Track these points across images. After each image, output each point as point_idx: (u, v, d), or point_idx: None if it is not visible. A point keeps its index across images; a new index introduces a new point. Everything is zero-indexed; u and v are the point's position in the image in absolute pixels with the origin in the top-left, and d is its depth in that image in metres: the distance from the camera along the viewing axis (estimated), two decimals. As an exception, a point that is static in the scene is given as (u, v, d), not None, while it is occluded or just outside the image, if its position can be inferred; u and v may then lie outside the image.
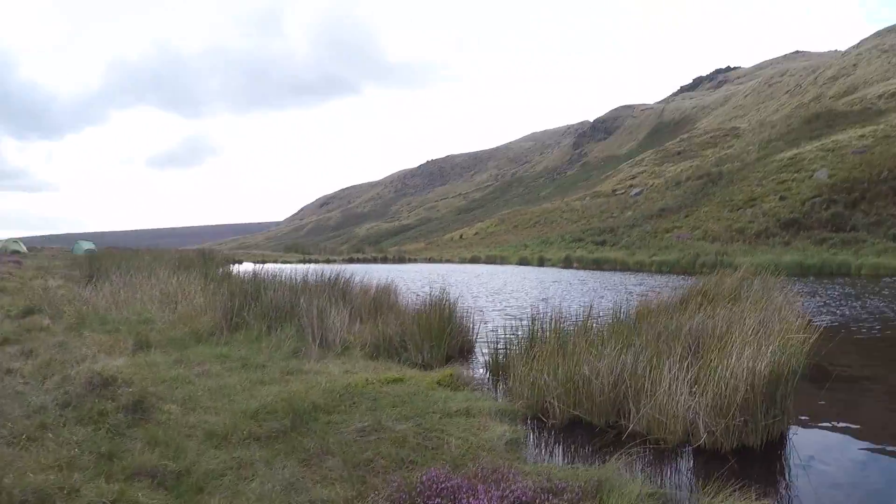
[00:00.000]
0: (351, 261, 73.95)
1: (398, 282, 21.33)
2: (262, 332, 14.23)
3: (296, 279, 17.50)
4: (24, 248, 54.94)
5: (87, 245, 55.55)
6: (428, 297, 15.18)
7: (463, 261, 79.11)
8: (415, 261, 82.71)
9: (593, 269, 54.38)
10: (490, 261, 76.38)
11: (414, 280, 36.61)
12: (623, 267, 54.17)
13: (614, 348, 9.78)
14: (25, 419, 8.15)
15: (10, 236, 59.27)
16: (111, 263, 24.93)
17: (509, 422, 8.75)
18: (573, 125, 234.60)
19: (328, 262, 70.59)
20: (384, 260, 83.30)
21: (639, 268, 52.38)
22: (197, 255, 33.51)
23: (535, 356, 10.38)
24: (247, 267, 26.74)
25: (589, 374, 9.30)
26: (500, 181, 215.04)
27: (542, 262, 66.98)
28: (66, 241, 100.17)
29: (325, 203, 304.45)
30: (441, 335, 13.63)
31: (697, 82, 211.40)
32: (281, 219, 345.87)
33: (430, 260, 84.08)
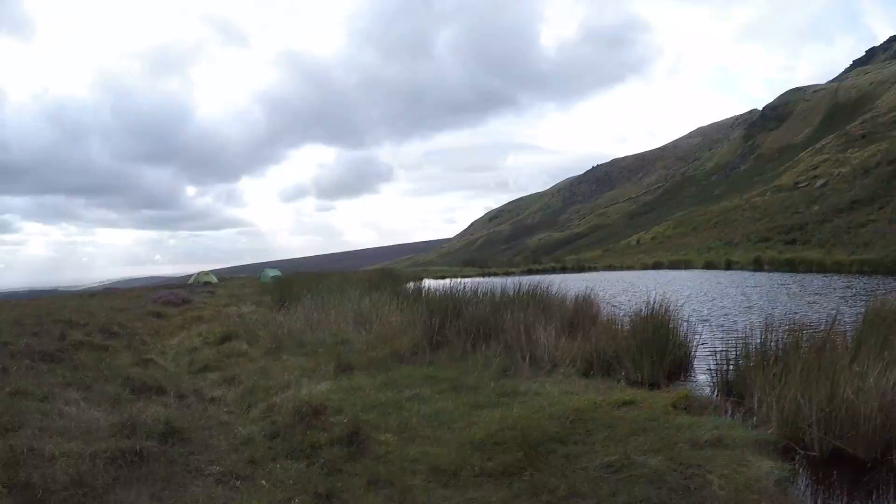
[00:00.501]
0: (529, 272, 72.80)
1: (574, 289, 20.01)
2: (467, 351, 13.32)
3: (494, 293, 16.53)
4: (215, 279, 56.54)
5: (273, 272, 56.57)
6: (642, 307, 13.89)
7: (645, 267, 76.65)
8: (594, 269, 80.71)
9: (786, 271, 51.04)
10: (674, 266, 73.53)
11: (604, 289, 35.08)
12: (820, 268, 50.37)
13: (876, 365, 8.25)
14: (233, 453, 7.46)
15: (199, 270, 61.14)
16: (301, 287, 24.70)
17: (769, 455, 7.35)
18: (741, 115, 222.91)
19: (507, 274, 69.86)
20: (563, 270, 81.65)
21: (838, 269, 48.45)
22: (381, 275, 33.23)
23: (781, 375, 8.94)
24: (429, 284, 25.92)
25: (854, 397, 7.73)
26: (669, 182, 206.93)
27: (729, 266, 63.92)
28: (251, 271, 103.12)
29: (493, 217, 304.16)
30: (662, 350, 12.32)
31: (871, 54, 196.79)
32: (451, 235, 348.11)
33: (611, 267, 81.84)
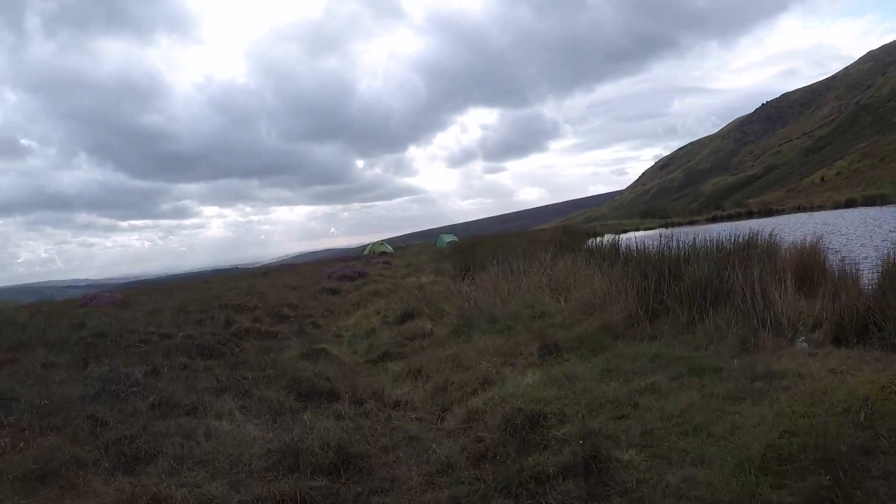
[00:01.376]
0: (714, 219, 69.09)
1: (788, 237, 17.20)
2: (693, 319, 10.98)
3: (710, 248, 14.02)
4: (390, 249, 55.70)
5: (450, 237, 55.31)
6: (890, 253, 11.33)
7: (837, 205, 71.07)
8: (782, 212, 75.53)
9: None
10: (868, 202, 67.76)
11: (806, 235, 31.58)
12: None
13: None
14: (428, 489, 5.60)
15: (373, 240, 60.49)
16: (485, 252, 22.55)
17: None
18: None
19: (691, 223, 66.40)
20: (749, 215, 76.59)
21: None
22: (564, 233, 30.90)
23: None
24: (622, 239, 23.23)
25: None
26: (844, 113, 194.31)
27: (930, 198, 58.56)
28: (425, 237, 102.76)
29: (664, 165, 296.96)
30: (937, 307, 9.77)
31: None
32: (622, 187, 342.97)
33: (800, 209, 76.36)
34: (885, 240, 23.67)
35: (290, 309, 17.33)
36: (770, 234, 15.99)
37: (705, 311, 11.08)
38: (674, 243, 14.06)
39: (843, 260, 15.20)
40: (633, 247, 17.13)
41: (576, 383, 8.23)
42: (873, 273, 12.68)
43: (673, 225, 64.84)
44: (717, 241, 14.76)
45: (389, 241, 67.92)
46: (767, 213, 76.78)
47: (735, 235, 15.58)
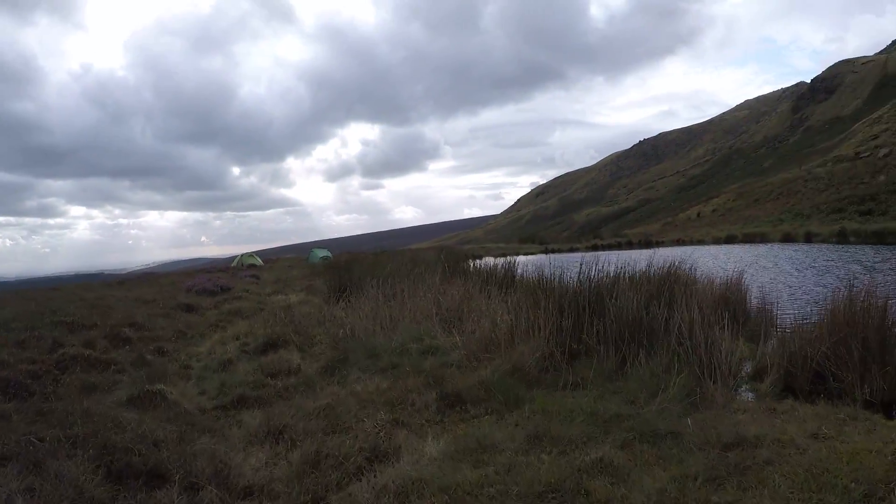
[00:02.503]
0: (594, 248, 68.27)
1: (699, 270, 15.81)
2: (625, 363, 9.10)
3: (621, 277, 12.00)
4: (259, 262, 52.93)
5: (323, 252, 52.81)
6: (840, 290, 9.74)
7: (717, 241, 71.65)
8: (662, 243, 75.21)
9: (875, 244, 46.43)
10: (748, 239, 68.31)
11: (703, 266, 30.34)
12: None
13: None
14: None
15: (244, 251, 57.66)
16: (363, 271, 19.91)
17: None
18: (788, 88, 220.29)
19: (571, 250, 65.74)
20: (629, 245, 76.12)
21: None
22: (446, 254, 28.96)
23: None
24: (518, 264, 20.99)
25: None
26: (717, 155, 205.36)
27: (808, 238, 59.28)
28: (298, 251, 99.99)
29: (540, 193, 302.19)
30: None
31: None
32: (497, 212, 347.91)
33: (680, 242, 76.37)
34: (796, 277, 23.20)
35: (134, 329, 14.53)
36: (691, 267, 14.35)
37: (635, 355, 9.17)
38: (593, 273, 11.92)
39: (763, 297, 13.84)
40: (529, 273, 15.28)
41: (496, 456, 6.07)
42: (797, 312, 11.41)
43: (553, 251, 64.18)
44: (636, 272, 12.91)
45: (261, 253, 65.19)
46: (647, 244, 76.14)
47: (650, 267, 13.78)
